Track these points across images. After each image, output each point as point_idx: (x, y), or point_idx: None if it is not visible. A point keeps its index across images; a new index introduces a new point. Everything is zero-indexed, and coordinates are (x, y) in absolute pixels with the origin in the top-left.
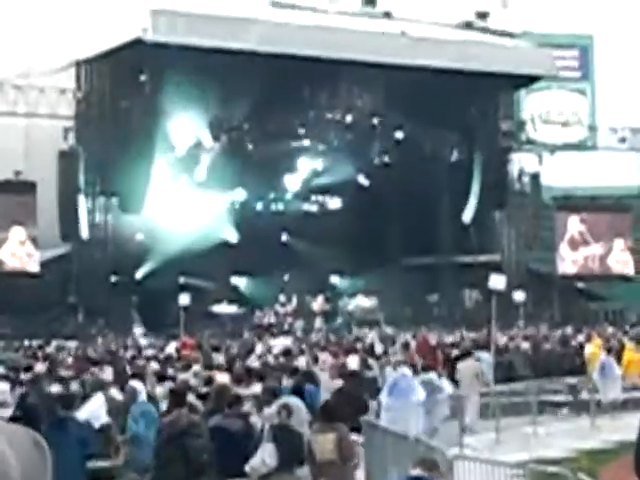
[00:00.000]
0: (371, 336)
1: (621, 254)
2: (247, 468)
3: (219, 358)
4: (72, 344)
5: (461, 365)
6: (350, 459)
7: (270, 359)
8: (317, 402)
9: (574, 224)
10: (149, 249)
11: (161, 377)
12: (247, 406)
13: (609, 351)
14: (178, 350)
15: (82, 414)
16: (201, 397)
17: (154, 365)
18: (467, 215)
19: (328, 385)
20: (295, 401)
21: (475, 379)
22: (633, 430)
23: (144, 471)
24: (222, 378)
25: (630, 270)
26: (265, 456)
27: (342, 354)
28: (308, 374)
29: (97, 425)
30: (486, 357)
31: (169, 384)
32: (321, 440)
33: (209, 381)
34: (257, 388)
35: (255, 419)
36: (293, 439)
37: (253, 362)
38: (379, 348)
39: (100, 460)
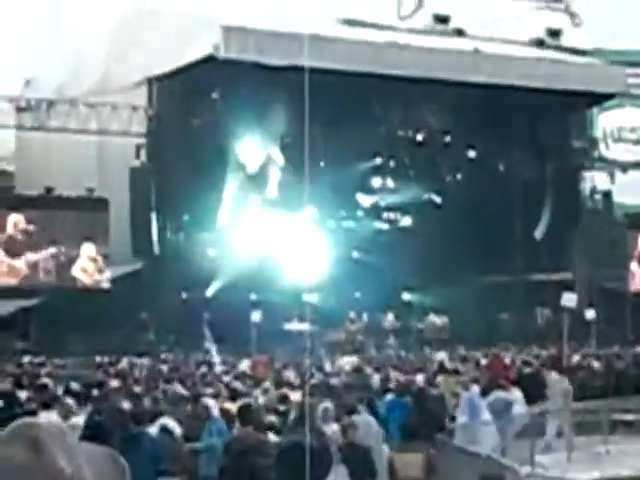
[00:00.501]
0: (442, 354)
1: None
2: None
3: (290, 375)
4: (144, 361)
5: (549, 379)
6: (435, 478)
7: (342, 377)
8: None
9: None
10: (220, 266)
11: (234, 394)
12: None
13: None
14: (252, 367)
15: (154, 429)
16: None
17: (227, 382)
18: (539, 233)
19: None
20: (364, 417)
21: (564, 394)
22: None
23: None
24: (295, 396)
25: None
26: (338, 478)
27: (412, 372)
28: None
29: (177, 432)
30: (559, 377)
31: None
32: (407, 459)
33: (283, 399)
34: (328, 405)
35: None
36: (362, 456)
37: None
38: (449, 366)
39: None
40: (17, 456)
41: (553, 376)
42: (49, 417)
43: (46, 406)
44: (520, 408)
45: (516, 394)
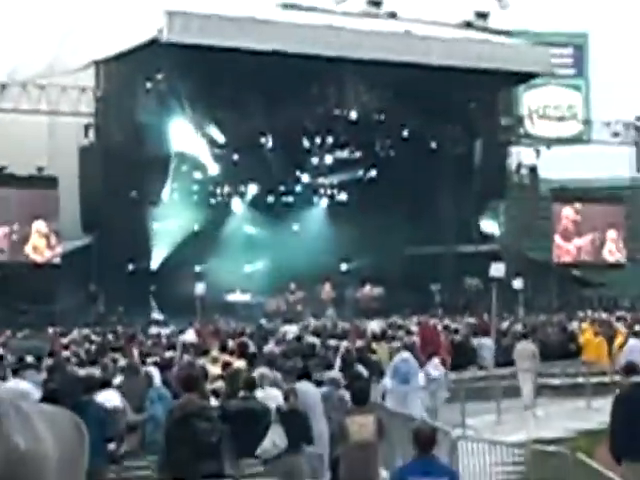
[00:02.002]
0: (377, 323)
1: (614, 243)
2: (258, 451)
3: (233, 344)
4: (93, 331)
5: (519, 346)
6: (383, 438)
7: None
8: None
9: (569, 214)
10: (165, 240)
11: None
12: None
13: (636, 335)
14: (198, 336)
15: (102, 397)
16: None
17: (171, 352)
18: (469, 206)
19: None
20: (303, 385)
21: (532, 359)
22: None
23: (158, 452)
24: (239, 363)
25: (622, 258)
26: (275, 438)
27: (350, 340)
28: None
29: (117, 404)
30: (487, 341)
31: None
32: (361, 421)
33: (226, 366)
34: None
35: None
36: (300, 421)
37: (272, 348)
38: (384, 334)
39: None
40: None
41: (522, 343)
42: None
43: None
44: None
45: (435, 362)
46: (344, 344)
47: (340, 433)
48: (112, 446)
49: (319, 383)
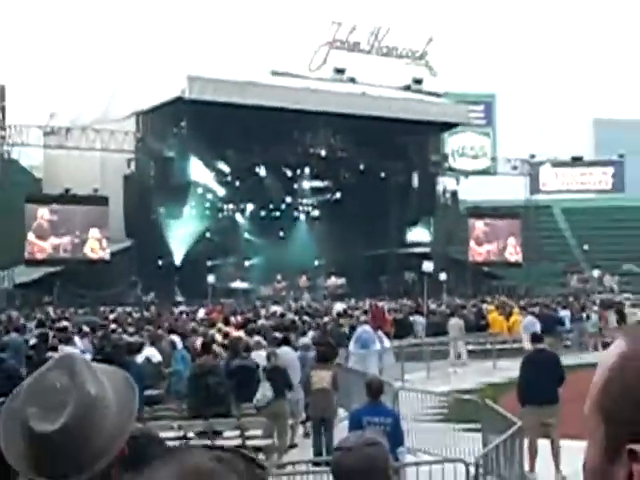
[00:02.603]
0: (340, 304)
1: (513, 248)
2: (255, 401)
3: (234, 320)
4: (133, 309)
5: (451, 321)
6: (338, 389)
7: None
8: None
9: (480, 226)
10: (183, 242)
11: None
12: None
13: (532, 314)
14: (207, 314)
15: (140, 358)
16: (224, 347)
17: (191, 324)
18: (408, 219)
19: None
20: (284, 349)
21: (460, 330)
22: None
23: (181, 398)
24: (238, 333)
25: (519, 259)
26: (265, 391)
27: (321, 317)
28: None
29: (155, 361)
30: (420, 318)
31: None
32: (321, 375)
33: (226, 335)
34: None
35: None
36: (281, 375)
37: (262, 322)
38: (345, 312)
39: (152, 389)
40: (58, 380)
41: (453, 319)
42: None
43: (64, 341)
44: (387, 343)
45: (380, 333)
46: (325, 319)
47: (305, 382)
48: (156, 391)
49: (297, 348)
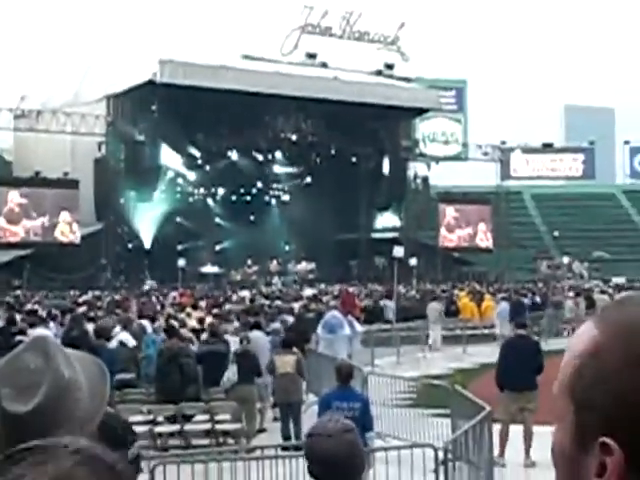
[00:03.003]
0: (310, 290)
1: (484, 234)
2: (221, 383)
3: (204, 304)
4: (103, 293)
5: (430, 305)
6: (303, 374)
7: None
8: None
9: (451, 212)
10: (155, 226)
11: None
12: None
13: (505, 299)
14: (180, 296)
15: (114, 342)
16: (194, 331)
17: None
18: (378, 204)
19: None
20: (254, 333)
21: (439, 315)
22: (491, 355)
23: (151, 382)
24: (208, 318)
25: (490, 245)
26: (230, 374)
27: (291, 301)
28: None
29: (130, 345)
30: (390, 303)
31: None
32: (284, 360)
33: (200, 321)
34: (236, 324)
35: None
36: (251, 360)
37: (232, 307)
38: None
39: (124, 373)
40: (32, 362)
41: (432, 303)
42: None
43: (33, 325)
44: (357, 328)
45: (349, 318)
46: (295, 305)
47: (270, 366)
48: (127, 375)
49: (268, 333)
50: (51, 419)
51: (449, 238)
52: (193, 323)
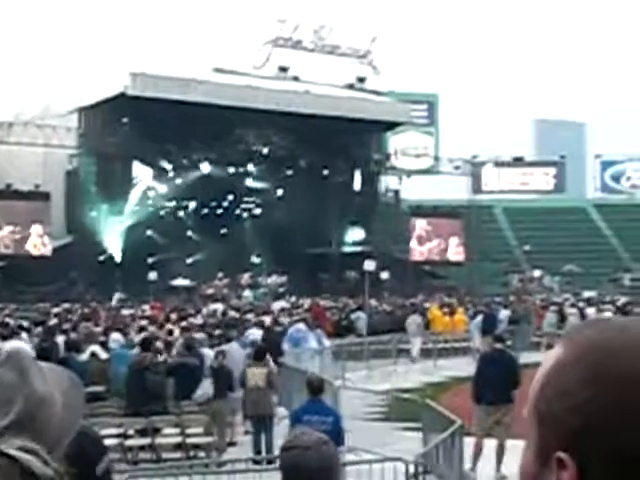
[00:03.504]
0: (281, 302)
1: (455, 247)
2: (194, 397)
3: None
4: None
5: (410, 319)
6: (274, 387)
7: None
8: None
9: (422, 226)
10: (126, 240)
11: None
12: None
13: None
14: (151, 309)
15: (85, 354)
16: (166, 344)
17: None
18: (350, 218)
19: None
20: (231, 346)
21: (418, 327)
22: (462, 369)
23: (122, 396)
24: (180, 331)
25: (461, 258)
26: (205, 388)
27: (262, 314)
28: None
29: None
30: (362, 316)
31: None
32: (255, 372)
33: (170, 333)
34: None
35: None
36: (226, 375)
37: (199, 320)
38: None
39: (95, 386)
40: (5, 377)
41: (412, 316)
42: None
43: (5, 338)
44: (325, 342)
45: (319, 332)
46: (265, 318)
47: (241, 379)
48: (98, 388)
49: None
50: (25, 433)
51: (420, 251)
52: (164, 336)
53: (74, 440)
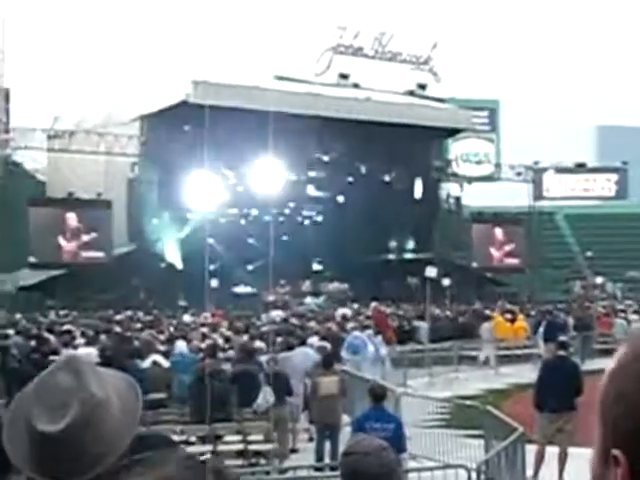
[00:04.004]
0: (343, 309)
1: (517, 254)
2: (255, 406)
3: (238, 324)
4: (137, 313)
5: (483, 326)
6: (345, 394)
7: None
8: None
9: (483, 233)
10: (188, 246)
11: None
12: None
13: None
14: (212, 316)
15: (147, 362)
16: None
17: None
18: (411, 225)
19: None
20: (292, 353)
21: (491, 333)
22: (524, 376)
23: (184, 402)
24: (242, 338)
25: (521, 265)
26: (266, 396)
27: (323, 322)
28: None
29: (164, 365)
30: (423, 324)
31: (208, 341)
32: (327, 381)
33: (228, 339)
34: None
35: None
36: (283, 381)
37: (263, 327)
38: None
39: (157, 393)
40: (63, 381)
41: (485, 324)
42: (72, 352)
43: (66, 345)
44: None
45: (379, 339)
46: (329, 325)
47: (313, 388)
48: (160, 395)
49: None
50: (83, 437)
51: (482, 258)
52: (225, 343)
53: (147, 441)
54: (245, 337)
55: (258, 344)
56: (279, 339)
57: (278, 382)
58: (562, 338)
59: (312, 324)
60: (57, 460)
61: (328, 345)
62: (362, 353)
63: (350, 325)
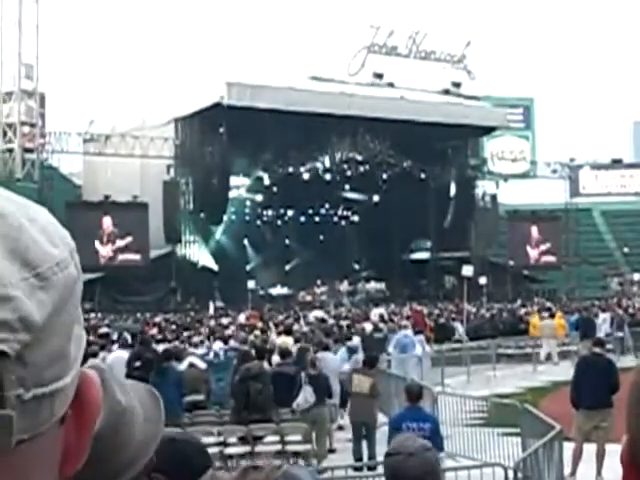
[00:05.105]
0: (380, 309)
1: (553, 251)
2: (294, 405)
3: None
4: (174, 315)
5: (544, 322)
6: (377, 396)
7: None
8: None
9: (520, 230)
10: (225, 248)
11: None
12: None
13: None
14: (247, 318)
15: (184, 364)
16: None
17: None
18: (447, 224)
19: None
20: (324, 354)
21: (553, 331)
22: (561, 373)
23: (221, 404)
24: (284, 339)
25: (559, 262)
26: (307, 396)
27: (361, 322)
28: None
29: (202, 367)
30: (459, 325)
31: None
32: (362, 379)
33: (265, 341)
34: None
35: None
36: (323, 382)
37: (302, 328)
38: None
39: (194, 395)
40: None
41: (546, 320)
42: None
43: (103, 348)
44: (426, 348)
45: (420, 337)
46: (365, 325)
47: (347, 384)
48: (198, 397)
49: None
50: (109, 445)
51: (518, 256)
52: (262, 344)
53: (179, 453)
54: (283, 338)
55: (297, 344)
56: (316, 339)
57: (319, 382)
58: (599, 335)
59: (348, 324)
60: (85, 468)
61: (359, 345)
62: (410, 352)
63: (383, 326)
